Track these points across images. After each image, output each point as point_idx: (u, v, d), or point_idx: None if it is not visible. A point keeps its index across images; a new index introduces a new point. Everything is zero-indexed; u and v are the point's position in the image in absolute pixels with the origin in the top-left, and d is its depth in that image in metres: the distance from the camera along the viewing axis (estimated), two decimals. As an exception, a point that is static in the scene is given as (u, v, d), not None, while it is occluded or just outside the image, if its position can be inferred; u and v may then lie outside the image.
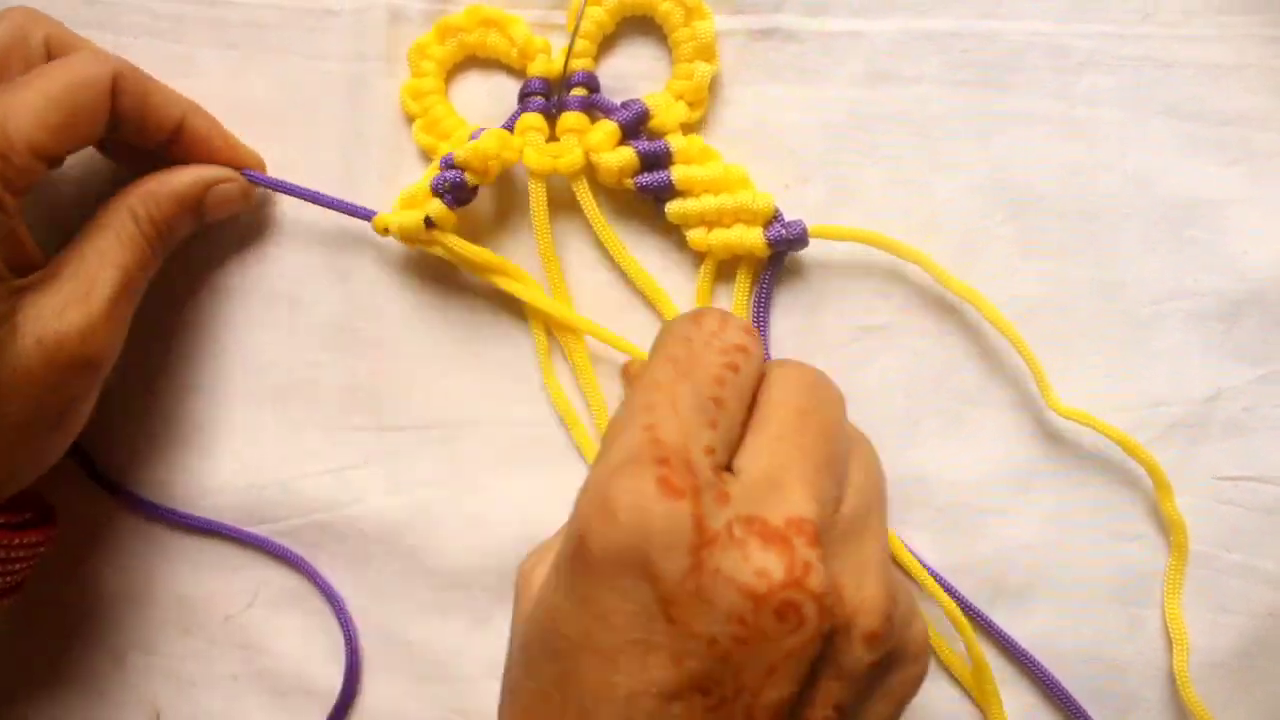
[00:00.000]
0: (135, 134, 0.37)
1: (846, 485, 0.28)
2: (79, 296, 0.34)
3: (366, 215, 0.38)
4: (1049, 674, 0.37)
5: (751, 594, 0.24)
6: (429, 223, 0.37)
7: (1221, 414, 0.38)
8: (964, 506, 0.38)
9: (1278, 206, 0.38)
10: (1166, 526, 0.38)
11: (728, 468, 0.27)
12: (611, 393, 0.39)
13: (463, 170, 0.37)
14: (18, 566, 0.35)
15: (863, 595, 0.26)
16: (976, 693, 0.38)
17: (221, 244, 0.40)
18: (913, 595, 0.30)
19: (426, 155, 0.40)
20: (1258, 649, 0.37)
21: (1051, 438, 0.38)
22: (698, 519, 0.25)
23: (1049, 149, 0.39)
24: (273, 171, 0.40)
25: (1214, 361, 0.38)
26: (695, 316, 0.29)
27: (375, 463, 0.40)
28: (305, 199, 0.39)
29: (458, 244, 0.38)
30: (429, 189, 0.37)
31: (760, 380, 0.29)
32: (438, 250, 0.38)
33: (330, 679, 0.39)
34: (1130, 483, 0.38)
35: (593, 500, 0.25)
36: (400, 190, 0.39)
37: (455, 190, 0.37)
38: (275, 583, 0.40)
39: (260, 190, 0.39)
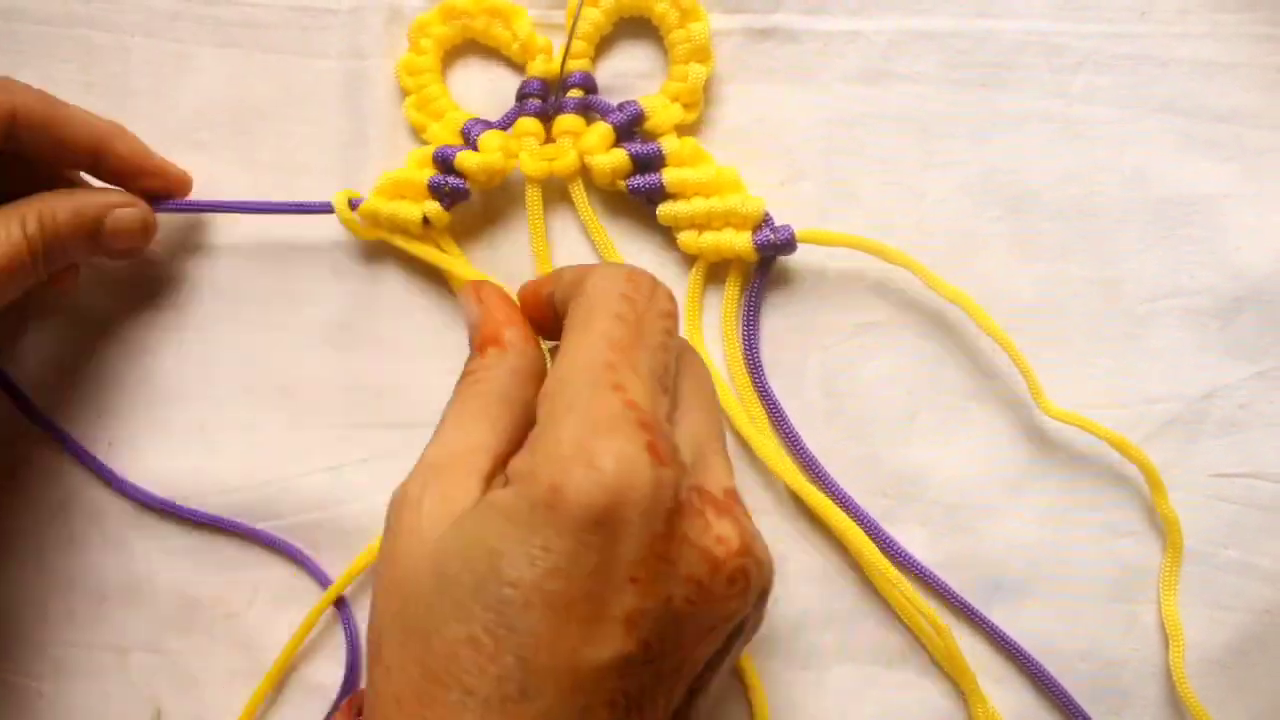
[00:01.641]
0: (48, 160, 0.37)
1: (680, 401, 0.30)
2: None
3: (323, 209, 0.38)
4: (1045, 671, 0.37)
5: (711, 560, 0.26)
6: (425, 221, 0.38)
7: (1217, 411, 0.38)
8: (960, 504, 0.38)
9: (1271, 203, 0.38)
10: (1162, 523, 0.38)
11: None
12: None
13: (465, 178, 0.38)
14: None
15: (767, 557, 0.28)
16: (959, 683, 0.38)
17: (221, 243, 0.40)
18: None
19: (417, 132, 0.40)
20: (1254, 646, 0.37)
21: (1047, 435, 0.38)
22: (676, 488, 0.26)
23: (1045, 147, 0.39)
24: (272, 170, 0.40)
25: (1210, 359, 0.38)
26: (629, 276, 0.29)
27: (375, 460, 0.40)
28: (245, 212, 0.39)
29: (422, 250, 0.39)
30: (426, 186, 0.38)
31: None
32: (396, 241, 0.39)
33: (331, 675, 0.39)
34: (1126, 479, 0.38)
35: (576, 453, 0.25)
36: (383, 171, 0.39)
37: (454, 195, 0.38)
38: (276, 580, 0.40)
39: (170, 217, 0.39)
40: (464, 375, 0.31)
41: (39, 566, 0.40)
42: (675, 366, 0.29)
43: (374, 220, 0.38)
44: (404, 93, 0.40)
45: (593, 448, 0.25)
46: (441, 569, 0.26)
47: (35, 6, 0.41)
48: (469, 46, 0.41)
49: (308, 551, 0.40)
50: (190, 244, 0.40)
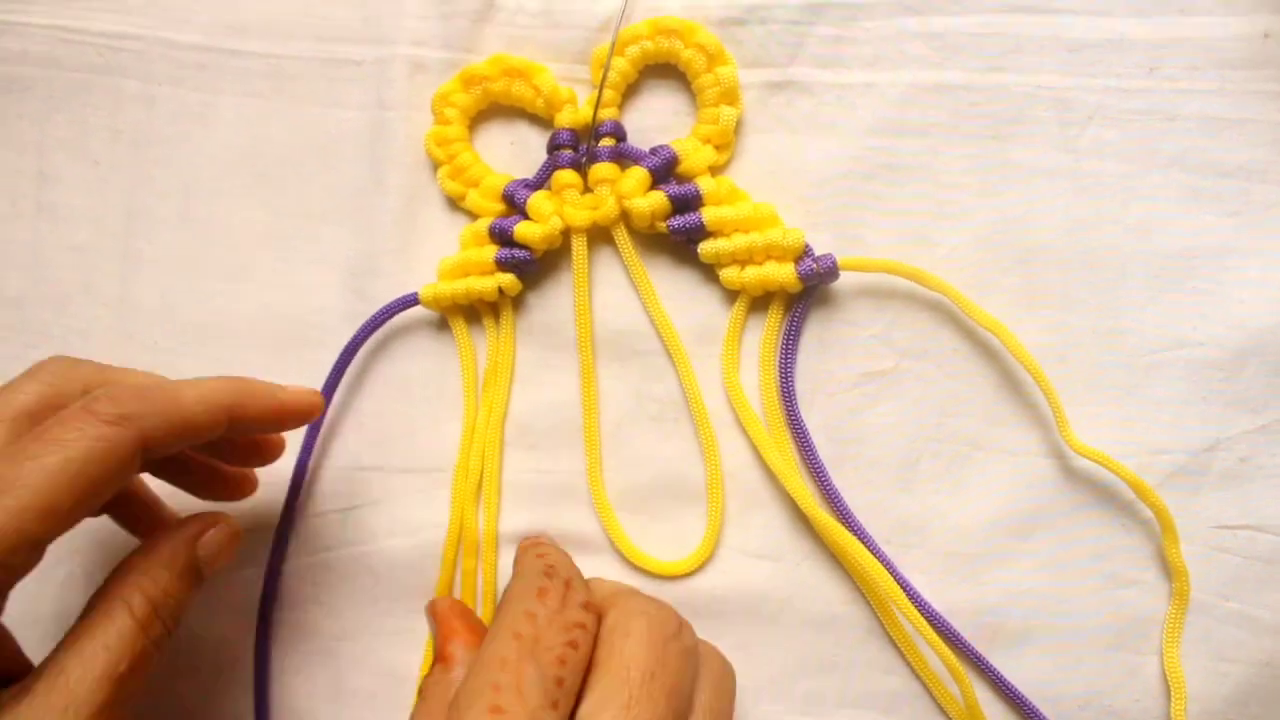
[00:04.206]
0: (185, 456, 0.35)
1: (693, 714, 0.30)
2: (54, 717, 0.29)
3: (411, 302, 0.40)
4: (1047, 720, 0.38)
5: None
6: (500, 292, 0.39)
7: (1220, 463, 0.38)
8: (961, 551, 0.38)
9: (1276, 258, 0.38)
10: (1166, 573, 0.38)
11: None
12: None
13: (529, 249, 0.39)
14: None
15: None
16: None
17: (235, 283, 0.41)
18: None
19: (454, 202, 0.41)
20: (1255, 698, 0.37)
21: (1052, 482, 0.38)
22: None
23: (1054, 200, 0.39)
24: (293, 217, 0.41)
25: (1214, 411, 0.38)
26: (540, 591, 0.31)
27: (386, 503, 0.40)
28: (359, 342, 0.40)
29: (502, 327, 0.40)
30: (493, 262, 0.39)
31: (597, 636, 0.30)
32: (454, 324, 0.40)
33: (334, 716, 0.40)
34: (1129, 529, 0.38)
35: None
36: (420, 238, 0.40)
37: (523, 266, 0.39)
38: (279, 621, 0.40)
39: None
40: (423, 687, 0.32)
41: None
42: (694, 667, 0.31)
43: (450, 301, 0.39)
44: (435, 164, 0.41)
45: None
46: None
47: (69, 55, 0.42)
48: (488, 108, 0.41)
49: (313, 593, 0.40)
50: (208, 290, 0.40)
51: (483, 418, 0.39)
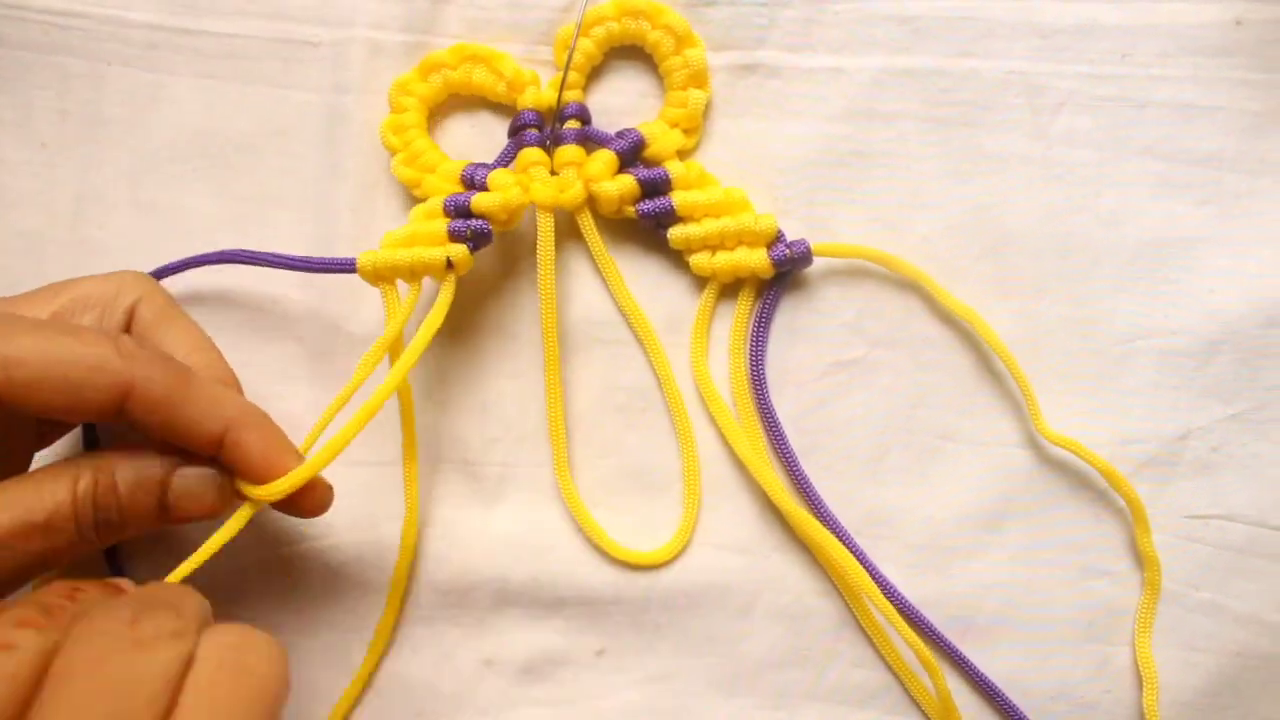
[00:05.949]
0: (161, 440, 0.32)
1: None
2: None
3: (348, 266, 0.37)
4: (1019, 711, 0.37)
5: None
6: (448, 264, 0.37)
7: (1191, 452, 0.38)
8: (934, 542, 0.38)
9: (1247, 246, 0.38)
10: (1138, 563, 0.38)
11: None
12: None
13: (487, 219, 0.37)
14: None
15: None
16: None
17: (200, 277, 0.40)
18: None
19: (408, 189, 0.40)
20: (1226, 688, 0.38)
21: (1023, 473, 0.38)
22: None
23: (1025, 188, 0.39)
24: (246, 202, 0.40)
25: (1185, 400, 0.38)
26: None
27: (351, 496, 0.39)
28: (268, 265, 0.38)
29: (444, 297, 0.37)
30: (446, 232, 0.37)
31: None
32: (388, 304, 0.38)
33: (293, 713, 0.39)
34: (1101, 519, 0.38)
35: None
36: (378, 225, 0.39)
37: (478, 238, 0.37)
38: (242, 619, 0.39)
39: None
40: None
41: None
42: None
43: (390, 271, 0.37)
44: (390, 152, 0.39)
45: None
46: None
47: (13, 32, 0.40)
48: (449, 97, 0.40)
49: (275, 586, 0.39)
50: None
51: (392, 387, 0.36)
